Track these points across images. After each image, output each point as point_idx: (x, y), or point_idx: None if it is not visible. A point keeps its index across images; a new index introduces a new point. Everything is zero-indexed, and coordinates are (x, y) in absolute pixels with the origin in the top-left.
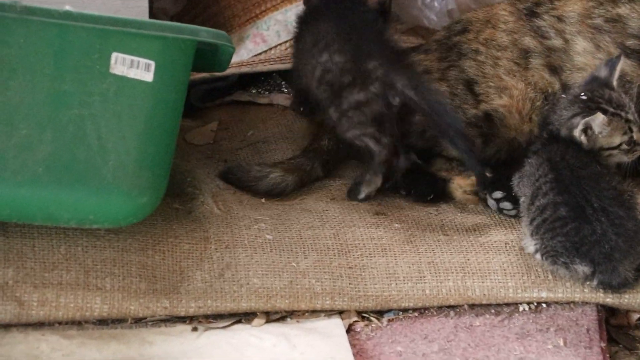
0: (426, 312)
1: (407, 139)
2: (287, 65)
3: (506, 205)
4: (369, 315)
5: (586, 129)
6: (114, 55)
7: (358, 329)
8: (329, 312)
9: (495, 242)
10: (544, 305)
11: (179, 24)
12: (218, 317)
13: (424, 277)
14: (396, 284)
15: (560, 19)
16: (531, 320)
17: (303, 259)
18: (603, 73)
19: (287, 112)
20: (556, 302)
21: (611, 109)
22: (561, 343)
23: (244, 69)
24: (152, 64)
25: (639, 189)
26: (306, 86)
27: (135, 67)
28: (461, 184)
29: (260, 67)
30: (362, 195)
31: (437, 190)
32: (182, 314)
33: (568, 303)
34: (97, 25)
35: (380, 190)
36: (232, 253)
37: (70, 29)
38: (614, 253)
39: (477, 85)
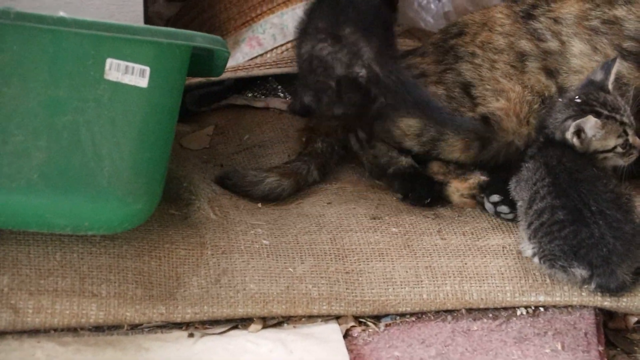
0: (423, 316)
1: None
2: (283, 70)
3: (503, 209)
4: (366, 320)
5: (579, 132)
6: (109, 61)
7: (355, 334)
8: (326, 318)
9: (492, 246)
10: (541, 309)
11: (174, 29)
12: (214, 323)
13: (422, 281)
14: (393, 288)
15: (556, 20)
16: (529, 324)
17: (300, 264)
18: (599, 76)
19: (283, 116)
20: (554, 306)
21: (605, 112)
22: (559, 347)
23: (240, 73)
24: (147, 69)
25: (637, 192)
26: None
27: (129, 73)
28: (458, 188)
29: (256, 72)
30: None
31: (434, 194)
32: (179, 320)
33: (566, 307)
34: (91, 31)
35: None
36: (228, 258)
37: (64, 35)
38: (611, 256)
39: (474, 88)
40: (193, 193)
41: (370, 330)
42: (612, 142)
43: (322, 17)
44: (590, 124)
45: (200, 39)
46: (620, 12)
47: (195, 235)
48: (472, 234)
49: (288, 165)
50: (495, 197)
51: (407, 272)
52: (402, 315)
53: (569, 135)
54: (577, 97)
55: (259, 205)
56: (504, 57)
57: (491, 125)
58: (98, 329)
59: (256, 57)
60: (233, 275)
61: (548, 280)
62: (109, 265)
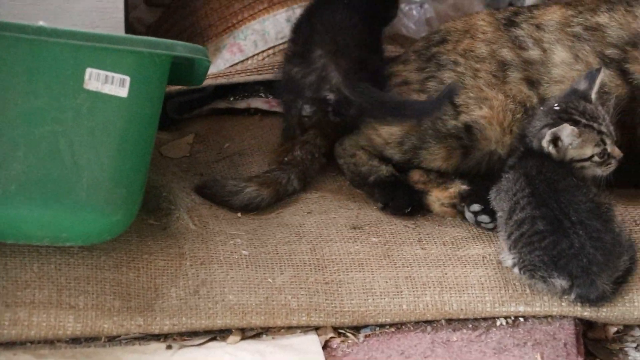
0: (403, 327)
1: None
2: (264, 76)
3: (484, 218)
4: (346, 331)
5: (555, 140)
6: (88, 70)
7: (334, 345)
8: (305, 329)
9: (472, 255)
10: (521, 319)
11: (154, 38)
12: (193, 334)
13: (401, 292)
14: (373, 299)
15: (538, 27)
16: (508, 335)
17: (279, 275)
18: (583, 85)
19: (264, 123)
20: (534, 316)
21: (583, 120)
22: (538, 358)
23: (221, 80)
24: (127, 79)
25: (616, 201)
26: None
27: (109, 83)
28: (439, 197)
29: (237, 78)
30: None
31: (414, 203)
32: (157, 331)
33: (545, 317)
34: (71, 40)
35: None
36: (207, 269)
37: (44, 45)
38: (591, 266)
39: (457, 96)
40: (172, 203)
41: (349, 341)
42: (589, 151)
43: (299, 38)
44: (567, 132)
45: (181, 48)
46: (602, 19)
47: (174, 246)
48: (453, 244)
49: (268, 175)
50: (476, 207)
51: (386, 282)
52: (382, 326)
53: (545, 143)
54: (556, 104)
55: (239, 214)
56: (485, 66)
57: (474, 134)
58: (75, 341)
59: (237, 63)
60: (212, 286)
61: (528, 291)
62: (86, 277)
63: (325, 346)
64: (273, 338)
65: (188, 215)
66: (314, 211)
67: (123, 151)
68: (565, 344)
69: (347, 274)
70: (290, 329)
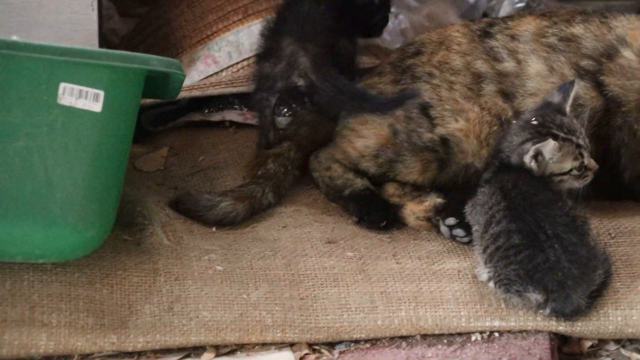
0: (378, 343)
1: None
2: (238, 89)
3: (459, 232)
4: (320, 347)
5: (537, 155)
6: (62, 85)
7: None
8: (280, 345)
9: (448, 270)
10: (496, 334)
11: (128, 52)
12: (167, 351)
13: (376, 307)
14: (348, 314)
15: (513, 37)
16: (483, 350)
17: (254, 291)
18: (556, 98)
19: (238, 136)
20: (509, 331)
21: (562, 134)
22: None
23: (195, 93)
24: (101, 93)
25: (591, 214)
26: None
27: (83, 98)
28: (414, 210)
29: (211, 91)
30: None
31: (389, 217)
32: (130, 349)
33: (520, 332)
34: (45, 55)
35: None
36: (181, 285)
37: (17, 60)
38: (567, 280)
39: (433, 108)
40: (146, 218)
41: (324, 357)
42: (568, 164)
43: (269, 32)
44: (549, 147)
45: (155, 62)
46: (577, 30)
47: (148, 262)
48: (428, 258)
49: (242, 189)
50: (451, 220)
51: (362, 297)
52: (357, 342)
53: (527, 158)
54: (533, 119)
55: (213, 229)
56: (460, 79)
57: (450, 147)
58: (48, 359)
59: (212, 75)
60: (186, 303)
61: (503, 305)
62: (60, 294)
63: None
64: (247, 355)
65: (162, 231)
66: (289, 225)
67: (97, 166)
68: (540, 359)
69: (322, 289)
70: (265, 346)
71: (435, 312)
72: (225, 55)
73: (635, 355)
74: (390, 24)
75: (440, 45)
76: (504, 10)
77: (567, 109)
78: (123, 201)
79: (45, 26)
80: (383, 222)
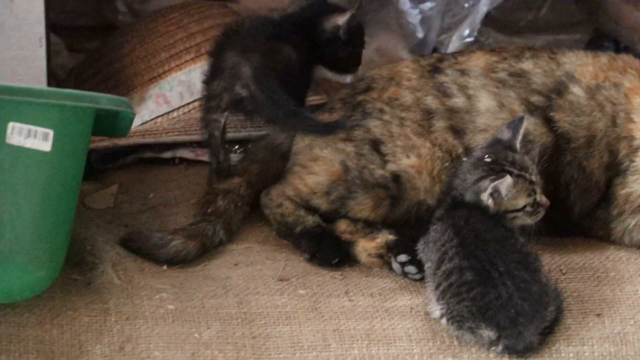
0: None
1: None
2: (192, 137)
3: (411, 269)
4: None
5: (493, 192)
6: (11, 124)
7: None
8: None
9: (400, 307)
10: None
11: (78, 91)
12: None
13: (329, 345)
14: (300, 353)
15: (463, 72)
16: None
17: (206, 330)
18: (506, 135)
19: (189, 172)
20: None
21: (515, 171)
22: None
23: (148, 139)
24: (50, 133)
25: (543, 250)
26: None
27: (32, 137)
28: (366, 247)
29: (164, 138)
30: None
31: (342, 254)
32: None
33: None
34: None
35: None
36: (132, 325)
37: None
38: (519, 317)
39: (384, 145)
40: (97, 256)
41: None
42: (522, 201)
43: (213, 50)
44: (506, 183)
45: (105, 100)
46: (527, 65)
47: (98, 301)
48: (380, 295)
49: (193, 227)
50: (403, 257)
51: (314, 335)
52: None
53: (484, 196)
54: (486, 156)
55: (165, 268)
56: (411, 115)
57: (402, 184)
58: None
59: (163, 115)
60: (137, 343)
61: (456, 342)
62: (8, 335)
63: None
64: None
65: (113, 269)
66: (240, 263)
67: (46, 206)
68: None
69: (275, 328)
70: None
71: (388, 350)
72: (177, 95)
73: None
74: None
75: (391, 81)
76: (453, 45)
77: (517, 145)
78: (73, 240)
79: None
80: (335, 260)
